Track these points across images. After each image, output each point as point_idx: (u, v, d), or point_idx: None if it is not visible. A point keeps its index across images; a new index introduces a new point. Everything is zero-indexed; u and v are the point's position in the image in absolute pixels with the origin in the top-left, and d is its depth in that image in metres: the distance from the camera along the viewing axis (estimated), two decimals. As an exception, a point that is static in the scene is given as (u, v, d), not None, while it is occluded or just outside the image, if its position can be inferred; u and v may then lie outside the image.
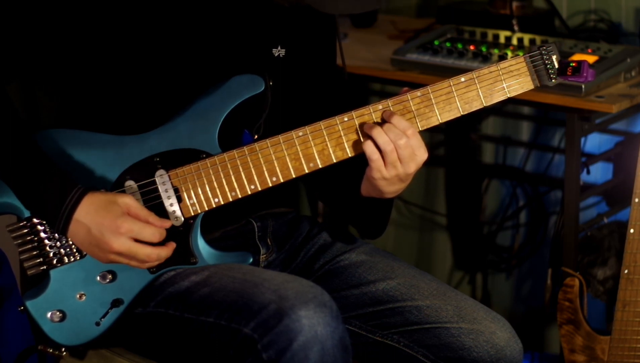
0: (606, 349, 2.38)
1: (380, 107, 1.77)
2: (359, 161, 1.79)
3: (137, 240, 1.72)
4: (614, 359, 2.37)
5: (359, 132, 1.77)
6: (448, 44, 2.62)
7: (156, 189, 1.78)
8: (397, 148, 1.73)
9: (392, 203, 1.91)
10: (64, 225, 1.72)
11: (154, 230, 1.73)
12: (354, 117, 1.77)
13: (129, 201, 1.73)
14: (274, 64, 1.90)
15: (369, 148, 1.74)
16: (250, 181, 1.78)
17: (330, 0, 1.76)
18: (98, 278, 1.78)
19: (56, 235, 1.78)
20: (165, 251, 1.76)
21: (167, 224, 1.76)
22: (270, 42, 1.91)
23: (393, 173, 1.75)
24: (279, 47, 1.92)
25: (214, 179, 1.78)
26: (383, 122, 1.75)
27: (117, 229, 1.71)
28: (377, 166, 1.75)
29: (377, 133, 1.73)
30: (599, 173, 2.88)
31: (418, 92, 1.77)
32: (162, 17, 1.81)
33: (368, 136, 1.75)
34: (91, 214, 1.71)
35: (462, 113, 1.78)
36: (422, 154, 1.76)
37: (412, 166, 1.75)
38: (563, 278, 2.45)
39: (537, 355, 3.12)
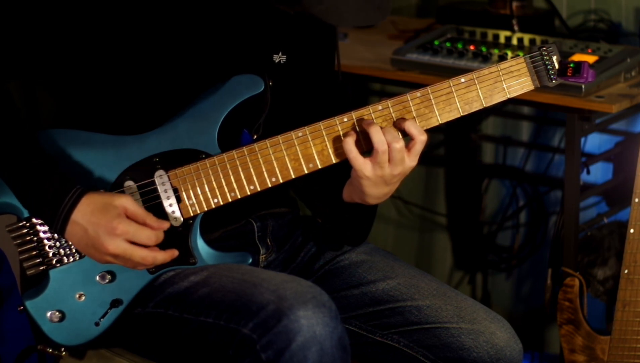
0: (606, 349, 2.38)
1: (380, 107, 1.77)
2: (343, 166, 1.79)
3: (134, 242, 1.72)
4: (614, 359, 2.37)
5: (358, 132, 1.77)
6: (448, 44, 2.62)
7: (155, 190, 1.78)
8: (391, 150, 1.73)
9: (374, 211, 1.90)
10: (61, 225, 1.72)
11: (149, 232, 1.73)
12: (354, 118, 1.77)
13: (126, 202, 1.72)
14: (274, 70, 1.90)
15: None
16: (250, 181, 1.78)
17: (336, 12, 1.76)
18: (97, 278, 1.79)
19: (55, 235, 1.78)
20: (162, 256, 1.75)
21: (165, 225, 1.76)
22: (271, 47, 1.91)
23: (379, 172, 1.74)
24: (280, 53, 1.92)
25: (213, 179, 1.78)
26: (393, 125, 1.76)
27: (113, 231, 1.70)
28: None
29: (374, 131, 1.73)
30: (599, 173, 2.88)
31: (418, 93, 1.77)
32: (164, 18, 1.81)
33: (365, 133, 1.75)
34: (88, 215, 1.71)
35: (462, 114, 1.78)
36: (412, 162, 1.75)
37: (398, 169, 1.74)
38: (563, 278, 2.45)
39: (537, 355, 3.12)
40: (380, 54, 2.73)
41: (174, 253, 1.77)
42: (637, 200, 2.28)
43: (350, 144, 1.73)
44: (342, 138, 1.74)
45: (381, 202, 1.83)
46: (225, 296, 1.72)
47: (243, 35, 1.87)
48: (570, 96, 2.37)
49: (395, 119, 1.76)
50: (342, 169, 1.80)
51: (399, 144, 1.73)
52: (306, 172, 1.78)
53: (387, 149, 1.72)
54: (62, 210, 1.71)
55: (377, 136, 1.72)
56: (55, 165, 1.74)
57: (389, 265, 1.96)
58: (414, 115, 1.77)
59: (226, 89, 1.80)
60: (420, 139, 1.74)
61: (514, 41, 2.61)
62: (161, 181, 1.79)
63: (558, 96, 2.37)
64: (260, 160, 1.78)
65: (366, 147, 1.75)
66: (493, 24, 2.75)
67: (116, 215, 1.71)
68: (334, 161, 1.78)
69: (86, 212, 1.71)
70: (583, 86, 2.34)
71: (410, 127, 1.74)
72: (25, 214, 1.78)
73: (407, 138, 1.75)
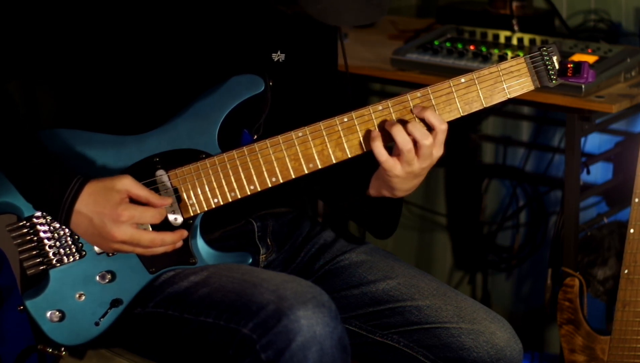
0: (606, 349, 2.38)
1: (380, 108, 1.77)
2: (366, 161, 1.79)
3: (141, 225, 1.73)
4: (614, 359, 2.37)
5: (360, 132, 1.77)
6: (448, 44, 2.62)
7: (156, 190, 1.78)
8: (420, 147, 1.73)
9: (402, 201, 1.91)
10: (66, 217, 1.72)
11: (154, 212, 1.73)
12: (354, 117, 1.77)
13: (128, 184, 1.72)
14: (274, 69, 1.90)
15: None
16: (250, 181, 1.78)
17: (334, 12, 1.76)
18: (97, 278, 1.79)
19: (56, 234, 1.78)
20: (171, 237, 1.75)
21: (168, 201, 1.75)
22: (270, 46, 1.91)
23: (408, 169, 1.75)
24: (279, 52, 1.92)
25: (213, 179, 1.78)
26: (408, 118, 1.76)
27: (118, 217, 1.70)
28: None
29: (397, 131, 1.73)
30: (599, 173, 2.88)
31: (418, 93, 1.77)
32: (164, 18, 1.81)
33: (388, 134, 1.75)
34: (91, 204, 1.71)
35: (462, 114, 1.78)
36: (438, 152, 1.76)
37: (427, 162, 1.76)
38: (563, 278, 2.45)
39: (537, 355, 3.12)
40: (380, 54, 2.73)
41: (183, 233, 1.77)
42: (637, 200, 2.28)
43: (379, 148, 1.74)
44: (370, 141, 1.74)
45: (410, 194, 1.85)
46: (225, 296, 1.72)
47: (242, 35, 1.87)
48: (570, 96, 2.37)
49: (395, 119, 1.76)
50: (365, 164, 1.81)
51: (428, 140, 1.73)
52: (306, 172, 1.78)
53: (411, 148, 1.73)
54: (65, 201, 1.71)
55: (400, 136, 1.73)
56: (56, 159, 1.74)
57: (389, 265, 1.96)
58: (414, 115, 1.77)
59: (226, 89, 1.80)
60: (442, 128, 1.74)
61: (514, 41, 2.61)
62: (161, 181, 1.79)
63: (558, 96, 2.37)
64: (261, 160, 1.78)
65: (385, 142, 1.76)
66: (493, 24, 2.75)
67: (119, 201, 1.71)
68: (334, 161, 1.78)
69: (89, 201, 1.71)
70: (583, 86, 2.34)
71: (430, 117, 1.74)
72: (26, 214, 1.78)
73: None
